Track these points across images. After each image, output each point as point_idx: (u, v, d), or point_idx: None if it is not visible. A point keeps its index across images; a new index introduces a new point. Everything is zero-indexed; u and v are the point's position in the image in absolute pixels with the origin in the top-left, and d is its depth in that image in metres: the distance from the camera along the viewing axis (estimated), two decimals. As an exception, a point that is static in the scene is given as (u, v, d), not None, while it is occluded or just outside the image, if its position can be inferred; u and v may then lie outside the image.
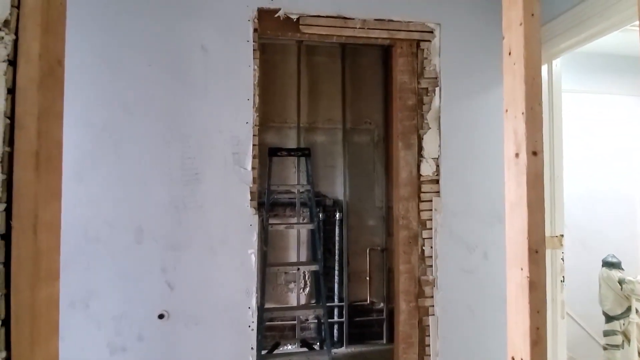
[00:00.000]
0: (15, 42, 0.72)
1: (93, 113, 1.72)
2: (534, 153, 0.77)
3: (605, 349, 2.68)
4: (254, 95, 1.82)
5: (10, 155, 0.68)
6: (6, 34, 0.70)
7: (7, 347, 0.68)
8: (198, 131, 1.78)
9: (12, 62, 0.71)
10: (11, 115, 0.70)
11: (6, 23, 0.71)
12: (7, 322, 0.67)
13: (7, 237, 0.67)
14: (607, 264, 2.74)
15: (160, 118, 1.76)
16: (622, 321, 2.62)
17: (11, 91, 0.70)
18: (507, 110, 0.83)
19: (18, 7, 0.72)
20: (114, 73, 1.74)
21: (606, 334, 2.68)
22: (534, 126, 0.78)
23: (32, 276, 0.67)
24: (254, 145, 1.82)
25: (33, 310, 0.67)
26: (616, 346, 2.60)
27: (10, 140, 0.69)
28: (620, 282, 2.61)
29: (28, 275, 0.66)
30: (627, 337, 2.65)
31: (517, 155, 0.80)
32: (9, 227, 0.67)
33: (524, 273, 0.77)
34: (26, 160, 0.67)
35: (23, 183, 0.66)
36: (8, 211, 0.67)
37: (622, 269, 2.71)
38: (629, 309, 2.66)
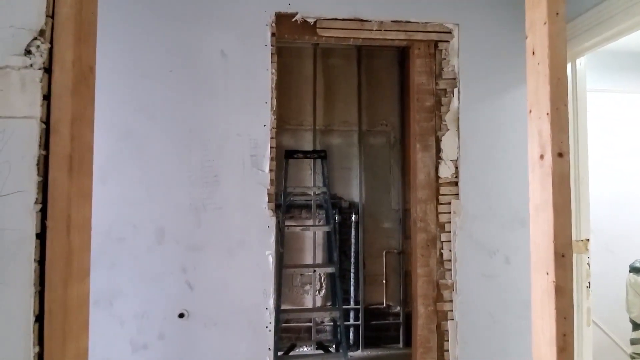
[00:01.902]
0: (50, 51, 0.75)
1: (117, 117, 1.78)
2: (560, 155, 0.75)
3: (632, 358, 2.57)
4: (272, 98, 1.85)
5: (46, 159, 0.72)
6: (42, 42, 0.74)
7: (40, 343, 0.71)
8: (217, 134, 1.82)
9: (48, 70, 0.74)
10: (46, 121, 0.73)
11: (42, 32, 0.74)
12: (40, 318, 0.70)
13: (42, 236, 0.70)
14: (635, 270, 2.64)
15: (181, 122, 1.81)
16: (651, 329, 2.51)
17: (46, 97, 0.73)
18: (530, 111, 0.82)
19: (52, 17, 0.75)
20: (136, 79, 1.80)
21: (633, 342, 2.58)
22: (559, 127, 0.76)
23: (65, 274, 0.70)
24: (271, 147, 1.84)
25: (65, 307, 0.70)
26: (645, 356, 2.49)
27: (45, 144, 0.72)
28: (649, 288, 2.50)
29: (61, 273, 0.69)
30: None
31: (541, 157, 0.78)
32: (44, 226, 0.70)
33: (549, 278, 0.76)
34: (60, 163, 0.70)
35: (57, 185, 0.69)
36: (43, 211, 0.70)
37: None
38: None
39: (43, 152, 0.72)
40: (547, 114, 0.76)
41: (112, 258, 1.75)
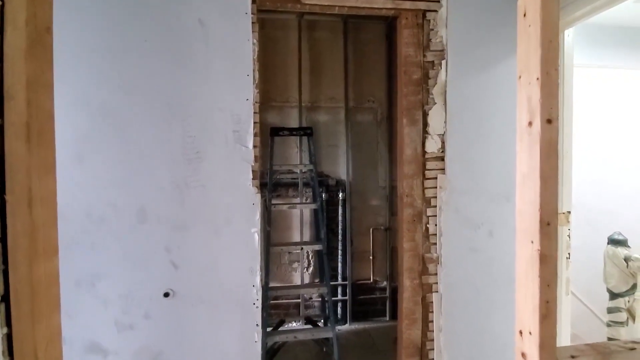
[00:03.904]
0: (2, 9, 0.68)
1: (91, 93, 1.68)
2: (549, 121, 0.73)
3: (609, 325, 2.70)
4: (254, 71, 1.77)
5: (1, 128, 0.66)
6: (-10, -2, 0.66)
7: (8, 324, 0.67)
8: (198, 109, 1.74)
9: (-2, 30, 0.67)
10: (-1, 86, 0.66)
11: (-11, -13, 0.66)
12: (6, 298, 0.66)
13: (1, 211, 0.65)
14: (613, 242, 2.73)
15: (160, 96, 1.72)
16: (626, 298, 2.63)
17: (-2, 59, 0.66)
18: (520, 77, 0.79)
19: (1, -30, 0.67)
20: (110, 52, 1.69)
21: (610, 311, 2.70)
22: (549, 92, 0.73)
23: (30, 251, 0.65)
24: (255, 122, 1.78)
25: (32, 286, 0.66)
26: (620, 323, 2.61)
27: (-1, 112, 0.66)
28: (627, 259, 2.60)
29: (25, 250, 0.65)
30: (631, 314, 2.66)
31: (530, 124, 0.76)
32: (2, 201, 0.65)
33: (534, 246, 0.75)
34: (17, 131, 0.64)
35: (14, 155, 0.64)
36: (1, 185, 0.65)
37: (629, 247, 2.69)
38: (634, 286, 2.65)
39: (-3, 121, 0.65)
40: (537, 78, 0.73)
41: (93, 239, 1.69)
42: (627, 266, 2.61)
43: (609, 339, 2.65)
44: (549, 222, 0.74)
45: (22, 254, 0.65)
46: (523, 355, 0.79)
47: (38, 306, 0.68)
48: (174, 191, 1.73)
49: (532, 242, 0.76)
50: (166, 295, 1.72)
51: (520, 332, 0.80)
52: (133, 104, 1.70)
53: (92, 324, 1.70)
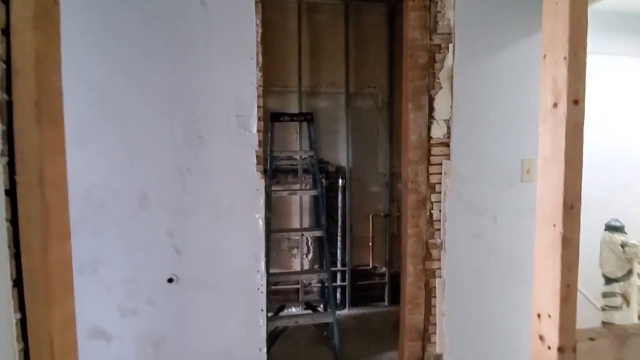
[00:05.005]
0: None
1: (92, 77, 1.63)
2: (575, 102, 0.72)
3: (603, 309, 2.76)
4: (257, 53, 1.72)
5: (9, 105, 0.62)
6: (-7, -34, 0.62)
7: (22, 309, 0.65)
8: (200, 94, 1.70)
9: (5, 1, 0.63)
10: (7, 60, 0.62)
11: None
12: (19, 283, 0.64)
13: (12, 193, 0.62)
14: (610, 228, 2.77)
15: (160, 80, 1.67)
16: (621, 284, 2.68)
17: (5, 32, 0.62)
18: (545, 56, 0.77)
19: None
20: (109, 34, 1.63)
21: (605, 295, 2.75)
22: (576, 73, 0.72)
23: (43, 234, 0.63)
24: (258, 107, 1.74)
25: (46, 270, 0.64)
26: (615, 307, 2.67)
27: (7, 88, 0.62)
28: (623, 245, 2.64)
29: (38, 233, 0.62)
30: (626, 299, 2.72)
31: (555, 105, 0.74)
32: (13, 182, 0.62)
33: (557, 229, 0.74)
34: (27, 109, 0.61)
35: (25, 135, 0.61)
36: (11, 165, 0.62)
37: (625, 233, 2.73)
38: (629, 272, 2.71)
39: (5, 97, 0.62)
40: (565, 57, 0.71)
41: (94, 224, 1.66)
42: (624, 252, 2.66)
43: (604, 323, 2.72)
44: (573, 205, 0.73)
45: (36, 238, 0.63)
46: (541, 337, 0.80)
47: (52, 291, 0.66)
48: (176, 176, 1.69)
49: (554, 225, 0.75)
50: (170, 280, 1.71)
51: (539, 315, 0.80)
52: (133, 88, 1.65)
53: (95, 309, 1.69)
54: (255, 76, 1.73)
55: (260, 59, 1.74)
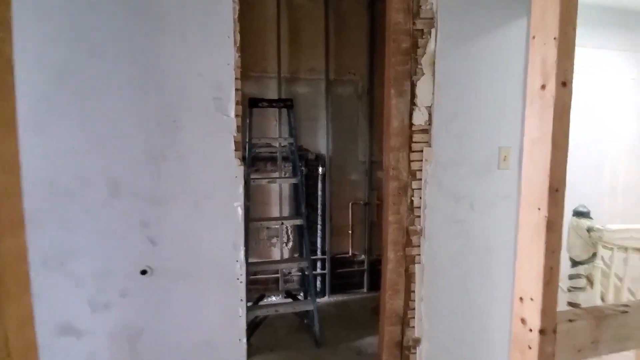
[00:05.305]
0: None
1: (49, 52, 1.49)
2: (564, 84, 0.71)
3: (569, 290, 2.90)
4: (235, 32, 1.63)
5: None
6: None
7: (-28, 306, 0.58)
8: (174, 74, 1.60)
9: None
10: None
11: None
12: (-33, 278, 0.57)
13: (-47, 177, 0.54)
14: (577, 213, 2.89)
15: (130, 58, 1.56)
16: (586, 266, 2.82)
17: None
18: (534, 37, 0.75)
19: None
20: (71, 6, 1.49)
21: (571, 277, 2.89)
22: (565, 53, 0.70)
23: (-8, 224, 0.55)
24: (236, 90, 1.66)
25: (-2, 263, 0.57)
26: (580, 288, 2.81)
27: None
28: (589, 230, 2.77)
29: (-14, 222, 0.55)
30: (590, 280, 2.86)
31: (543, 87, 0.73)
32: (-47, 164, 0.54)
33: (541, 213, 0.74)
34: (-34, 79, 0.53)
35: (-35, 109, 0.53)
36: (-50, 145, 0.54)
37: (591, 218, 2.86)
38: (594, 255, 2.84)
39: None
40: (555, 38, 0.70)
41: (60, 215, 1.56)
42: (589, 236, 2.79)
43: (569, 303, 2.86)
44: (558, 188, 0.73)
45: (-17, 227, 0.55)
46: (522, 320, 0.80)
47: (6, 286, 0.59)
48: (150, 163, 1.60)
49: (539, 209, 0.75)
50: (143, 272, 1.63)
51: (521, 299, 0.80)
52: (100, 67, 1.53)
53: (64, 304, 1.59)
54: (232, 56, 1.64)
55: (238, 38, 1.66)
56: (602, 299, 2.79)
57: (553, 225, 0.73)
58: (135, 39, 1.55)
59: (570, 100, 0.72)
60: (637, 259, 2.75)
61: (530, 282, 0.77)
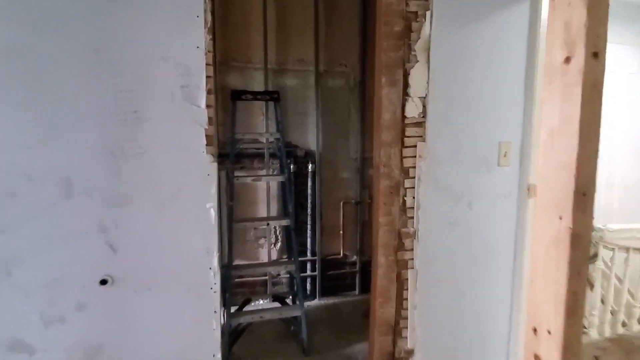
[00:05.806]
0: None
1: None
2: (595, 54, 0.54)
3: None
4: (205, 11, 1.45)
5: None
6: None
7: None
8: (134, 57, 1.41)
9: None
10: None
11: None
12: None
13: None
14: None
15: (83, 38, 1.37)
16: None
17: None
18: (555, -5, 0.58)
19: None
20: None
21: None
22: (597, 15, 0.53)
23: None
24: (208, 76, 1.48)
25: None
26: (582, 291, 2.67)
27: None
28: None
29: None
30: (590, 282, 2.73)
31: (567, 60, 0.56)
32: None
33: (564, 223, 0.57)
34: None
35: None
36: None
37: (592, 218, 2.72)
38: (594, 255, 2.70)
39: None
40: (585, -7, 0.52)
41: (4, 218, 1.37)
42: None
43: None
44: (585, 192, 0.56)
45: None
46: (536, 357, 0.63)
47: None
48: (108, 159, 1.42)
49: (560, 217, 0.58)
50: (103, 282, 1.45)
51: (535, 330, 0.64)
52: (48, 47, 1.34)
53: (12, 318, 1.41)
54: (203, 39, 1.46)
55: (210, 19, 1.47)
56: (602, 301, 2.65)
57: (579, 239, 0.57)
58: (88, 15, 1.35)
59: (603, 77, 0.54)
60: (638, 259, 2.62)
61: (548, 311, 0.60)
